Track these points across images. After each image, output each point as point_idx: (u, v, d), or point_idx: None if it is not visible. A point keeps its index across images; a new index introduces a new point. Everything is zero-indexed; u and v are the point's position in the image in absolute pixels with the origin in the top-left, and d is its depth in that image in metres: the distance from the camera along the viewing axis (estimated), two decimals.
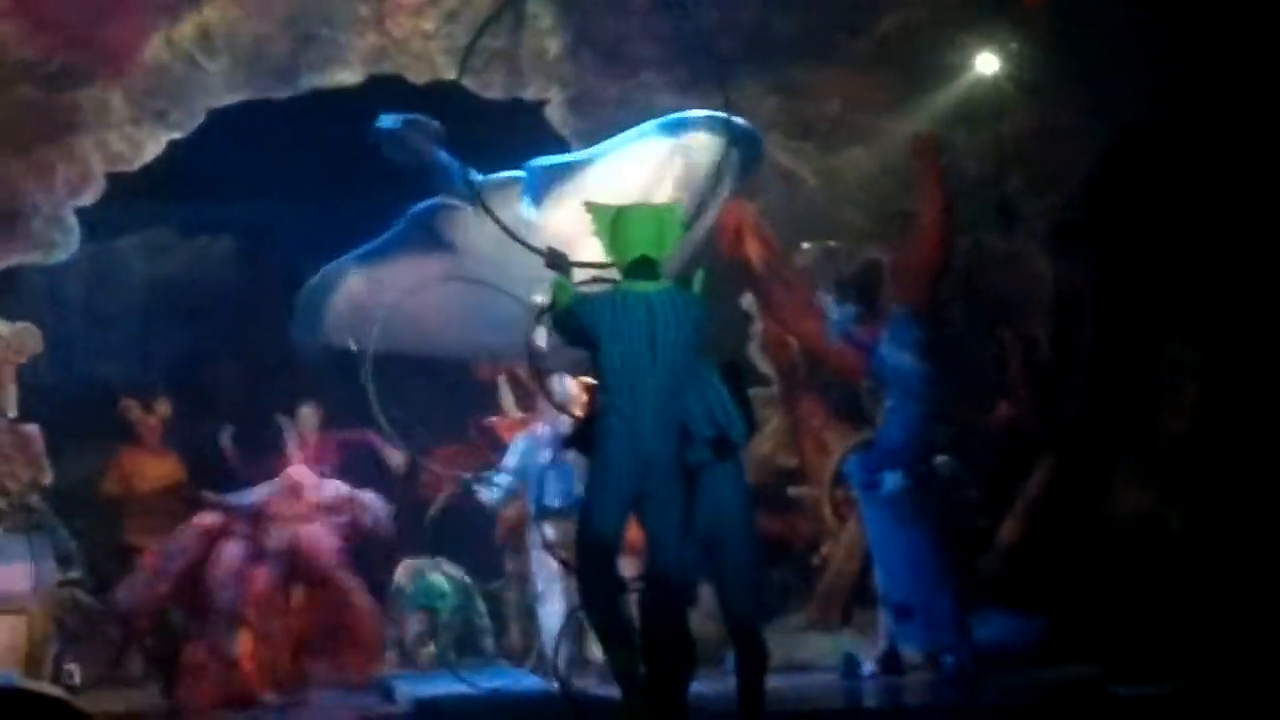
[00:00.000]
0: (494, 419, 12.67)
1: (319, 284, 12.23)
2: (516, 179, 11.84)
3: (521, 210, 11.70)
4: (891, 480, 11.08)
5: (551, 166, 12.01)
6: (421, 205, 11.90)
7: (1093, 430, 11.95)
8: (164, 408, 13.24)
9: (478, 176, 11.65)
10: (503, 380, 12.90)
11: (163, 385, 13.34)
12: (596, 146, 12.28)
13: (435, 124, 11.72)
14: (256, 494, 11.56)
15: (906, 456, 11.16)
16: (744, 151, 11.64)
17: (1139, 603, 10.71)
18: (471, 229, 11.23)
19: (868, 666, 11.23)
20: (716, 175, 11.11)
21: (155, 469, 13.06)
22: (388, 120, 11.56)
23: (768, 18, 12.66)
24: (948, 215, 11.91)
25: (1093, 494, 11.70)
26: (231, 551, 11.29)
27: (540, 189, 11.84)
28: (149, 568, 11.50)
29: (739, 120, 11.27)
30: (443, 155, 11.78)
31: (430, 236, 11.91)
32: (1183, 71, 12.04)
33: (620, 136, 12.19)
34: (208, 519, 11.53)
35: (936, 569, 11.01)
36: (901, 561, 11.04)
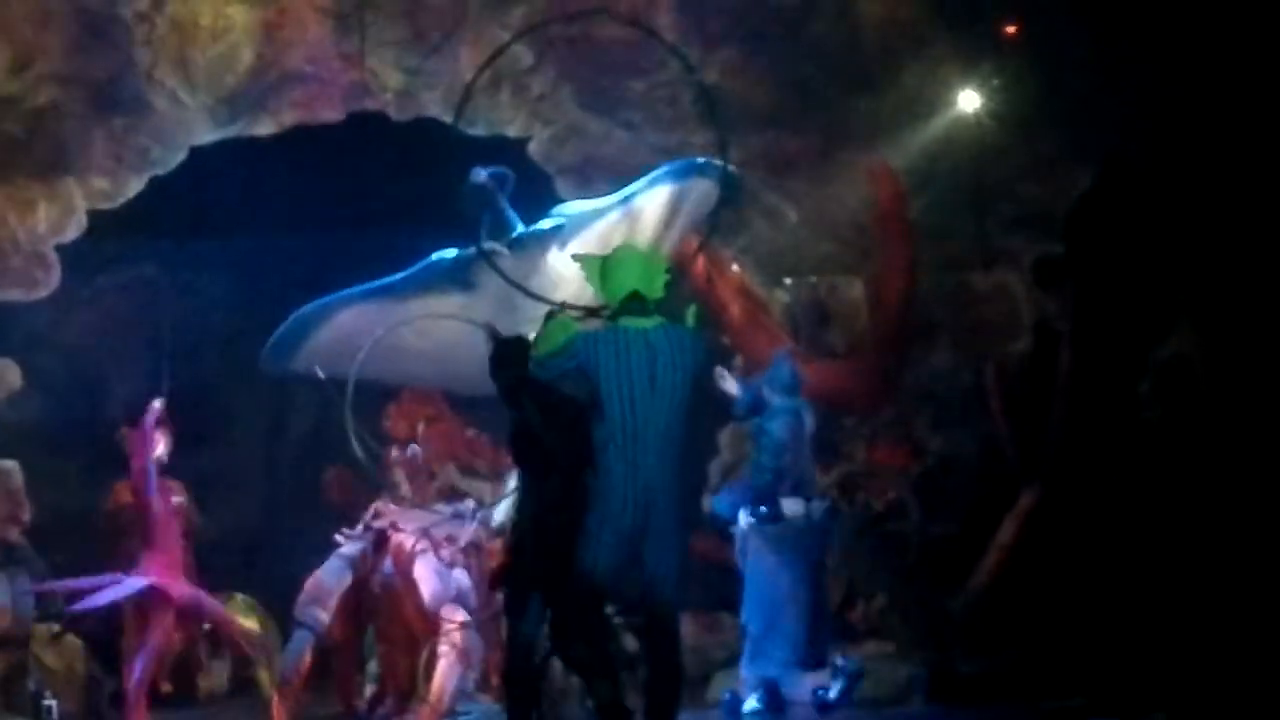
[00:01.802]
0: None
1: (310, 314, 12.28)
2: (557, 228, 11.92)
3: (553, 259, 11.79)
4: (745, 516, 11.13)
5: (580, 214, 12.12)
6: (453, 253, 11.95)
7: (1072, 462, 11.91)
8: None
9: (521, 227, 11.76)
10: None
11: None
12: (620, 192, 12.34)
13: (512, 176, 11.93)
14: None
15: (766, 492, 11.18)
16: (729, 197, 11.83)
17: (1122, 634, 10.67)
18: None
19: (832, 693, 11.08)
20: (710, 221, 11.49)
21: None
22: (481, 174, 11.68)
23: (749, 52, 12.70)
24: (908, 241, 11.96)
25: (1073, 526, 11.66)
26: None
27: (568, 236, 11.95)
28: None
29: (731, 167, 11.57)
30: (507, 206, 11.94)
31: (449, 278, 11.96)
32: (1164, 104, 12.06)
33: (637, 183, 12.26)
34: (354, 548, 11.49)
35: (785, 601, 11.00)
36: (755, 593, 11.05)
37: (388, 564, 11.35)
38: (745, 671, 11.13)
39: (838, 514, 12.04)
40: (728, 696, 11.22)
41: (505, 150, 12.94)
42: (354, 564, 11.37)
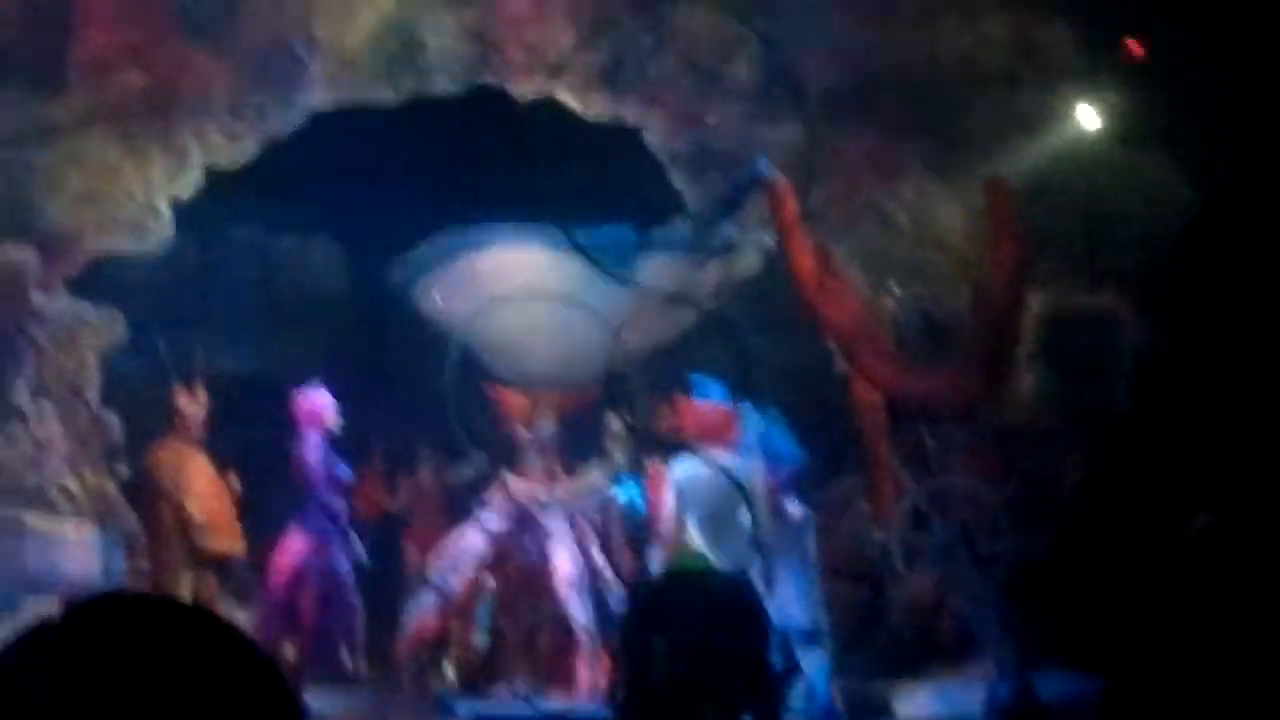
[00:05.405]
0: None
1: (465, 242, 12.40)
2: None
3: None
4: (794, 507, 11.10)
5: None
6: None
7: (1169, 491, 11.88)
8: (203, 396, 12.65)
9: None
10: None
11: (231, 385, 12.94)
12: None
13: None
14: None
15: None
16: None
17: (1215, 671, 10.65)
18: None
19: None
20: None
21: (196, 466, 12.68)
22: (764, 167, 12.22)
23: (866, 53, 12.63)
24: (1020, 268, 11.90)
25: (1165, 553, 11.64)
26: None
27: None
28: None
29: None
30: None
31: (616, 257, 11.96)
32: None
33: None
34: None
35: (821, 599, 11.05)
36: (801, 587, 11.06)
37: (528, 541, 11.35)
38: (816, 672, 10.87)
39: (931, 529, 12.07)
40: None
41: (621, 137, 12.93)
42: (496, 540, 11.37)
